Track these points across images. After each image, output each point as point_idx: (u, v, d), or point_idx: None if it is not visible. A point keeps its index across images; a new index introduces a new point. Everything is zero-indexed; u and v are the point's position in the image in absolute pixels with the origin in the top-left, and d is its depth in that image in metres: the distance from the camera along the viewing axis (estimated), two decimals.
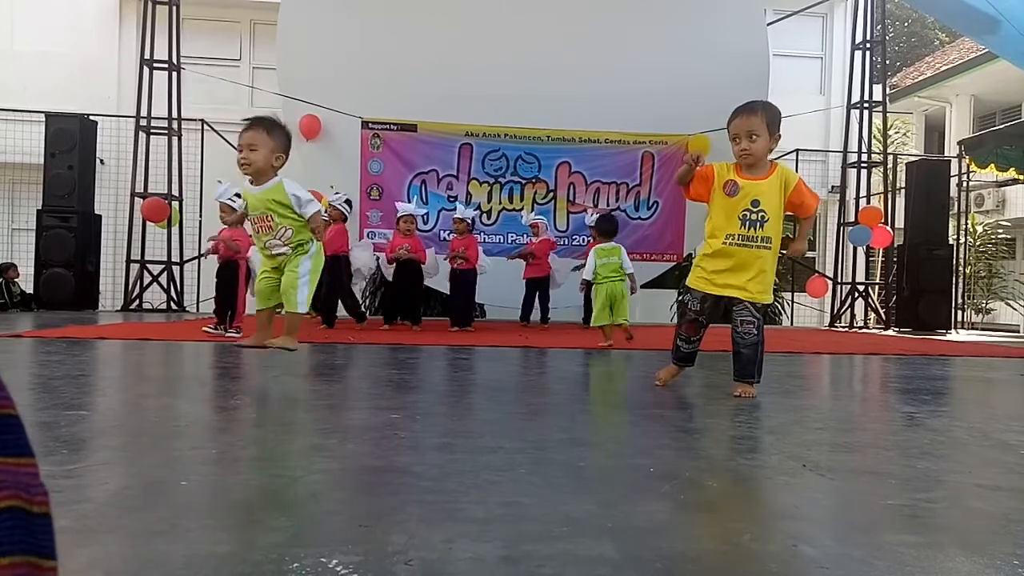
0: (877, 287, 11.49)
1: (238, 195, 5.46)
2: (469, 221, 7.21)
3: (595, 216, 8.28)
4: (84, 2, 12.32)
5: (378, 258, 7.41)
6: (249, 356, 4.22)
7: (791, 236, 3.31)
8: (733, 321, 2.93)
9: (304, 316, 3.45)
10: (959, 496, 1.54)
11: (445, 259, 7.32)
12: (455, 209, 7.79)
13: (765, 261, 2.91)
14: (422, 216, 8.77)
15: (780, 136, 2.95)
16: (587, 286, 5.59)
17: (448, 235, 7.28)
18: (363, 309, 7.37)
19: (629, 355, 4.94)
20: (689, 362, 3.10)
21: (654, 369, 3.48)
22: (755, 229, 2.89)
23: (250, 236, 5.48)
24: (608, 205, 9.56)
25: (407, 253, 6.79)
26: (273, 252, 3.36)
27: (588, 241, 8.03)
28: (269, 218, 3.31)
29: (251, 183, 3.38)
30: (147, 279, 9.60)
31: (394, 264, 6.87)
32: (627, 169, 9.65)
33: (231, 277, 5.48)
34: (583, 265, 5.76)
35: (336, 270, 6.78)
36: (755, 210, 2.89)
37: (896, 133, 14.31)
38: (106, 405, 2.53)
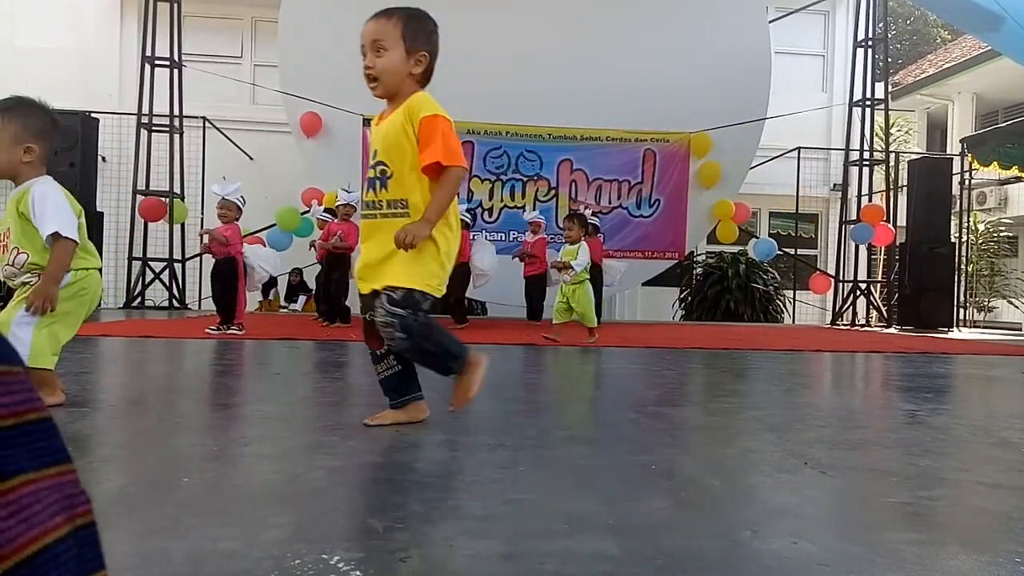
0: (879, 285, 11.48)
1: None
2: (467, 219, 7.23)
3: (594, 213, 8.31)
4: None
5: None
6: (250, 354, 4.22)
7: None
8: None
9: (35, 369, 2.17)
10: (960, 494, 1.54)
11: None
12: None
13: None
14: None
15: (427, 57, 2.09)
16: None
17: None
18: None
19: (629, 352, 4.94)
20: (401, 392, 2.11)
21: (654, 367, 3.48)
22: (377, 191, 2.01)
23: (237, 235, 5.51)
24: (610, 203, 9.57)
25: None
26: (14, 283, 2.33)
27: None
28: (6, 235, 2.30)
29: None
30: (149, 276, 9.61)
31: None
32: (629, 167, 9.65)
33: (229, 275, 5.45)
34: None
35: (344, 267, 6.81)
36: (377, 164, 2.03)
37: (898, 131, 14.28)
38: (108, 402, 2.53)
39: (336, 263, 6.80)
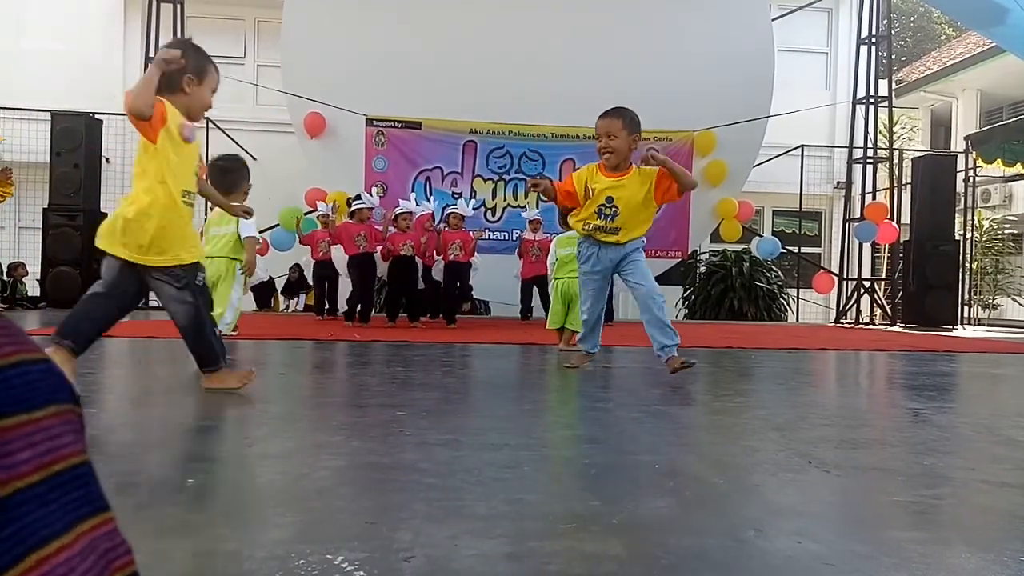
0: (883, 283, 11.45)
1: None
2: (467, 217, 7.26)
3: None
4: (89, 1, 12.35)
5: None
6: (253, 354, 4.23)
7: None
8: None
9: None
10: (966, 492, 1.53)
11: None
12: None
13: None
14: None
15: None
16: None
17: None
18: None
19: (633, 351, 4.93)
20: None
21: (657, 365, 3.48)
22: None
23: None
24: None
25: (411, 250, 6.82)
26: None
27: None
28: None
29: None
30: None
31: (388, 261, 6.89)
32: None
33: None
34: None
35: (373, 269, 6.83)
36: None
37: (902, 128, 14.24)
38: (112, 403, 2.54)
39: (365, 264, 6.75)
